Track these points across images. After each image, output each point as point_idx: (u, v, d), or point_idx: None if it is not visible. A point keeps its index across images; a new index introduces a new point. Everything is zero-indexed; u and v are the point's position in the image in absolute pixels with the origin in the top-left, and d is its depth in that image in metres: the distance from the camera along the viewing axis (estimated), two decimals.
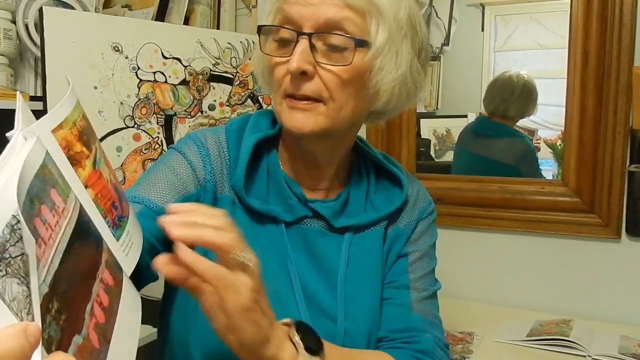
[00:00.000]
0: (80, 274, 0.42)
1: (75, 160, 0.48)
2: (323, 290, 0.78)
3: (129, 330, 0.50)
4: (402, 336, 0.80)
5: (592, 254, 1.54)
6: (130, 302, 0.53)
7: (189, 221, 0.54)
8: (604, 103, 1.46)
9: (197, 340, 0.73)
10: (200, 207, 0.59)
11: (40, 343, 0.32)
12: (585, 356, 1.27)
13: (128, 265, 0.55)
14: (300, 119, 0.73)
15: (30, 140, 0.41)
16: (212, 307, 0.55)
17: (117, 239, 0.53)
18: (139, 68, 1.47)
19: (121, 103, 1.44)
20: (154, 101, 1.50)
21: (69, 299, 0.39)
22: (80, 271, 0.43)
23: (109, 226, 0.52)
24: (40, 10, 1.32)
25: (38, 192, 0.37)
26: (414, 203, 0.88)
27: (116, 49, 1.44)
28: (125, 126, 1.45)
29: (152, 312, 0.79)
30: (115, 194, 0.55)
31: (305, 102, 0.73)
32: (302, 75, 0.71)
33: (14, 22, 1.45)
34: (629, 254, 1.50)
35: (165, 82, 1.51)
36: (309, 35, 0.71)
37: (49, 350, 0.35)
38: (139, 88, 1.47)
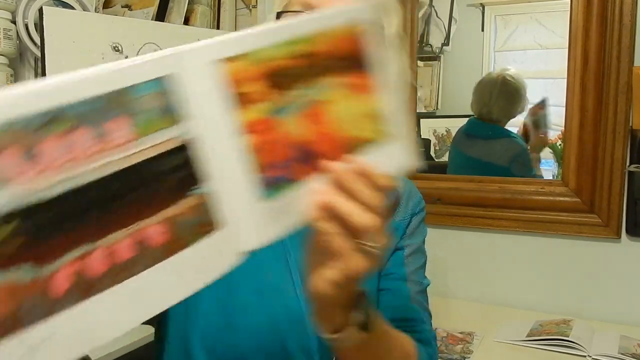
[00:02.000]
0: (101, 209, 0.37)
1: (240, 99, 0.43)
2: None
3: (135, 305, 0.40)
4: (406, 325, 0.80)
5: (592, 254, 1.54)
6: (168, 281, 0.41)
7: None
8: (604, 103, 1.46)
9: (198, 335, 0.74)
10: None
11: None
12: (585, 356, 1.27)
13: (260, 234, 0.46)
14: None
15: (151, 59, 0.39)
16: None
17: (263, 201, 0.45)
18: None
19: None
20: None
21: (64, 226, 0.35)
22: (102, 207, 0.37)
23: (257, 183, 0.45)
24: (40, 10, 1.32)
25: (84, 113, 0.35)
26: (407, 199, 0.89)
27: (116, 49, 1.43)
28: None
29: None
30: (295, 153, 0.47)
31: None
32: None
33: (14, 22, 1.45)
34: (629, 254, 1.50)
35: None
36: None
37: None
38: None
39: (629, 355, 1.25)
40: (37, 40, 1.40)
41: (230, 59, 0.43)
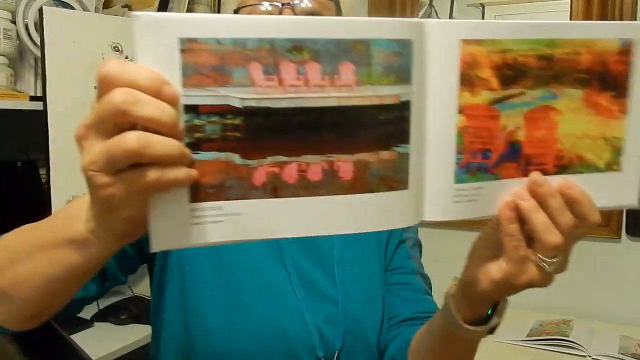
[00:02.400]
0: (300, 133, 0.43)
1: (468, 81, 0.45)
2: (320, 276, 0.77)
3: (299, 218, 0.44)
4: (427, 316, 0.81)
5: (592, 254, 1.54)
6: (343, 211, 0.45)
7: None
8: None
9: (199, 337, 0.73)
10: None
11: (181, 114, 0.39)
12: (585, 356, 1.27)
13: (444, 211, 0.48)
14: None
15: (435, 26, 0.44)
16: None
17: (456, 182, 0.47)
18: None
19: None
20: None
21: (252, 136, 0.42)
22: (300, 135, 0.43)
23: (456, 163, 0.47)
24: (40, 10, 1.32)
25: (321, 50, 0.41)
26: None
27: (116, 49, 1.43)
28: None
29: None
30: (504, 148, 0.47)
31: None
32: None
33: (14, 22, 1.44)
34: (629, 254, 1.50)
35: None
36: (290, 5, 0.71)
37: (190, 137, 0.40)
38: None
39: (629, 355, 1.25)
40: (37, 40, 1.40)
41: (472, 41, 0.44)
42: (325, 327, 0.74)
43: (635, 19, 1.41)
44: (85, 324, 1.42)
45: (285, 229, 0.44)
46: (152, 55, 0.39)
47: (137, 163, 0.38)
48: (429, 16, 1.89)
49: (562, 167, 0.49)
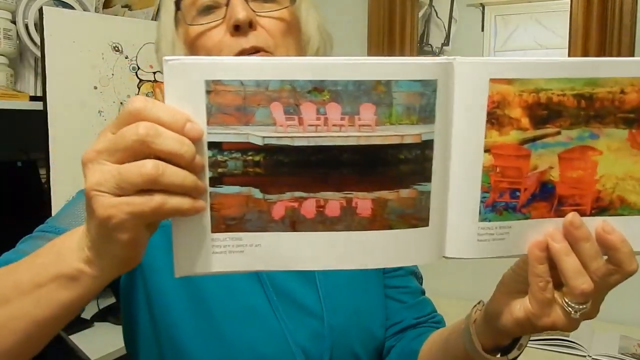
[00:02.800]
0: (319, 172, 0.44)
1: (496, 120, 0.45)
2: (301, 289, 0.72)
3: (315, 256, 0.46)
4: (428, 319, 0.80)
5: None
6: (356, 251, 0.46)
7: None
8: None
9: None
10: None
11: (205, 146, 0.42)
12: (585, 356, 1.27)
13: (467, 249, 0.47)
14: None
15: (457, 64, 0.44)
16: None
17: (481, 220, 0.47)
18: (139, 68, 1.47)
19: (121, 103, 1.44)
20: None
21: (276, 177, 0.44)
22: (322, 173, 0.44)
23: (480, 201, 0.46)
24: (40, 10, 1.32)
25: (340, 92, 0.42)
26: None
27: (116, 49, 1.43)
28: None
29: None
30: (535, 187, 0.47)
31: (257, 54, 0.68)
32: (248, 27, 0.67)
33: (14, 22, 1.45)
34: None
35: None
36: None
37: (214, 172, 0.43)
38: (139, 88, 1.47)
39: (629, 355, 1.25)
40: (37, 40, 1.40)
41: (502, 80, 0.44)
42: (311, 344, 0.69)
43: (635, 19, 1.42)
44: (85, 324, 1.43)
45: (303, 262, 0.46)
46: (180, 96, 0.42)
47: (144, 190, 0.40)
48: (429, 16, 1.89)
49: (601, 209, 0.48)
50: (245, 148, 0.43)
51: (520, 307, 0.51)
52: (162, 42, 0.74)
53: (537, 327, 0.51)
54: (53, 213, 1.31)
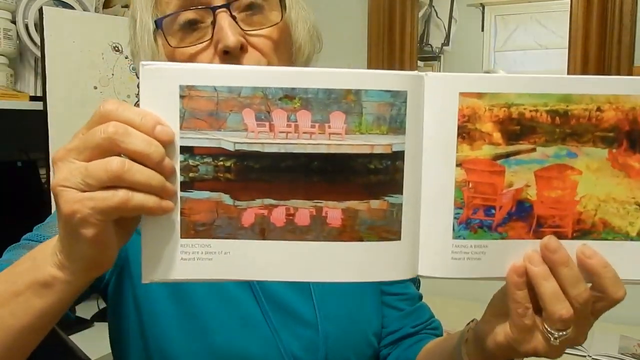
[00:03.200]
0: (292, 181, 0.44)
1: (467, 134, 0.44)
2: (294, 296, 0.70)
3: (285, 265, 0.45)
4: (425, 326, 0.79)
5: None
6: (330, 261, 0.45)
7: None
8: None
9: None
10: None
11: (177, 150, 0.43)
12: (585, 356, 1.27)
13: (442, 267, 0.46)
14: None
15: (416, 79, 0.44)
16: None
17: (454, 237, 0.46)
18: None
19: None
20: None
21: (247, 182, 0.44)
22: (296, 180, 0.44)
23: (454, 217, 0.45)
24: (40, 10, 1.32)
25: (311, 99, 0.43)
26: None
27: (116, 49, 1.43)
28: None
29: None
30: (511, 206, 0.45)
31: None
32: (239, 51, 0.62)
33: (14, 22, 1.45)
34: None
35: None
36: (227, 6, 0.62)
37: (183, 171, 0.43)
38: (139, 88, 1.47)
39: (629, 355, 1.25)
40: (37, 40, 1.40)
41: (472, 94, 0.44)
42: (304, 354, 0.67)
43: (635, 19, 1.42)
44: (85, 324, 1.43)
45: (272, 272, 0.45)
46: (155, 100, 0.43)
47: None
48: (429, 16, 1.89)
49: (583, 232, 0.46)
50: (216, 153, 0.44)
51: (502, 332, 0.50)
52: (142, 57, 0.67)
53: (519, 352, 0.49)
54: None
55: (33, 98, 1.41)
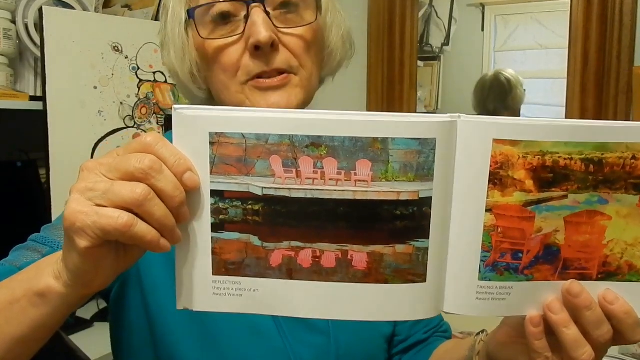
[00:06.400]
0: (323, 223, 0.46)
1: (498, 181, 0.44)
2: None
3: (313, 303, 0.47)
4: (436, 330, 0.79)
5: None
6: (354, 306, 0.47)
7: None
8: (604, 103, 1.46)
9: None
10: None
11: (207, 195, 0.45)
12: None
13: (466, 307, 0.47)
14: (279, 98, 0.63)
15: (458, 122, 0.44)
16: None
17: (480, 279, 0.46)
18: (139, 68, 1.47)
19: (121, 103, 1.44)
20: (154, 101, 1.50)
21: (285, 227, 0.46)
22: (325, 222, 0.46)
23: (481, 260, 0.46)
24: (40, 10, 1.32)
25: (337, 147, 0.44)
26: None
27: (116, 49, 1.43)
28: (125, 126, 1.45)
29: None
30: (539, 250, 0.46)
31: (279, 77, 0.63)
32: (270, 48, 0.61)
33: (14, 22, 1.44)
34: None
35: (165, 82, 1.51)
36: (262, 1, 0.61)
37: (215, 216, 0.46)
38: (139, 88, 1.47)
39: (629, 355, 1.25)
40: (37, 40, 1.39)
41: (505, 142, 0.43)
42: None
43: (635, 19, 1.41)
44: (85, 324, 1.42)
45: (298, 309, 0.47)
46: (187, 144, 0.45)
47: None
48: (429, 16, 1.89)
49: (608, 274, 0.47)
50: (245, 197, 0.46)
51: None
52: (171, 48, 0.67)
53: None
54: (53, 213, 1.32)
55: (33, 98, 1.41)
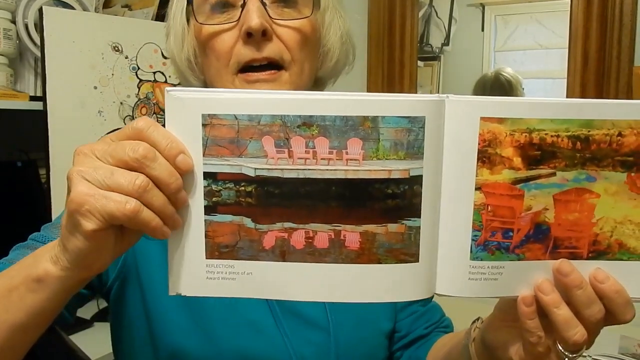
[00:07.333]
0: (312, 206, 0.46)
1: (487, 159, 0.45)
2: (308, 303, 0.65)
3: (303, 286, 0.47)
4: (437, 325, 0.80)
5: None
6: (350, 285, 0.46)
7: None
8: None
9: None
10: None
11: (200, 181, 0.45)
12: (585, 356, 1.27)
13: (458, 287, 0.47)
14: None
15: (446, 102, 0.44)
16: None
17: (472, 259, 0.46)
18: (139, 68, 1.47)
19: (121, 103, 1.44)
20: (154, 101, 1.50)
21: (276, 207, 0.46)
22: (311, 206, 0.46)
23: (472, 239, 0.46)
24: (40, 10, 1.32)
25: (329, 127, 0.44)
26: None
27: (116, 49, 1.43)
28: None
29: None
30: (529, 228, 0.46)
31: (268, 72, 0.63)
32: (262, 37, 0.62)
33: (14, 22, 1.44)
34: None
35: (165, 82, 1.51)
36: None
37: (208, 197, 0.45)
38: (139, 88, 1.47)
39: (629, 355, 1.25)
40: (37, 40, 1.39)
41: (493, 119, 0.44)
42: (315, 359, 0.67)
43: (636, 19, 1.41)
44: (85, 324, 1.43)
45: (292, 292, 0.47)
46: (179, 126, 0.45)
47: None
48: (429, 16, 1.89)
49: (599, 253, 0.47)
50: (238, 179, 0.46)
51: (516, 354, 0.51)
52: (171, 35, 0.70)
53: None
54: (53, 213, 1.32)
55: (33, 98, 1.41)
